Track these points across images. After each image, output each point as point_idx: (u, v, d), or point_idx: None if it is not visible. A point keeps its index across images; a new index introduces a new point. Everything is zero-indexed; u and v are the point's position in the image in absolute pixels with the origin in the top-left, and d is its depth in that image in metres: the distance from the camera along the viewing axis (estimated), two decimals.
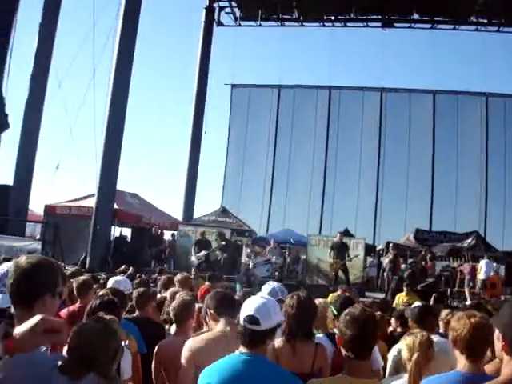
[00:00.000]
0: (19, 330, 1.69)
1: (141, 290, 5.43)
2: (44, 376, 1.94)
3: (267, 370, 2.74)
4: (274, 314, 2.75)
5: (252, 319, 2.69)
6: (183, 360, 3.38)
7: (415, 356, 2.96)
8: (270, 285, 4.54)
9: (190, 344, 3.43)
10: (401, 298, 11.27)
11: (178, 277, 7.33)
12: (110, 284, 5.58)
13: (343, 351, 2.70)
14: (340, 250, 16.38)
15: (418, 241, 21.14)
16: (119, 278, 6.17)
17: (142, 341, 4.36)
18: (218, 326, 3.49)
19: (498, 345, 2.03)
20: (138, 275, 11.01)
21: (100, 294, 4.45)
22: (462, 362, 2.61)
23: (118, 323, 2.43)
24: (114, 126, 18.21)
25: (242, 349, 2.74)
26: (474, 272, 17.39)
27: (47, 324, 1.72)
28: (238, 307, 3.07)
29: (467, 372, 2.55)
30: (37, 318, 1.73)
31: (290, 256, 19.90)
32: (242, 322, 2.75)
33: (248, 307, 2.75)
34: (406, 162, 27.66)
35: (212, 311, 3.60)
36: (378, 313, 5.80)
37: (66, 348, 2.26)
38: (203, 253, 17.23)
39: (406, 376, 3.18)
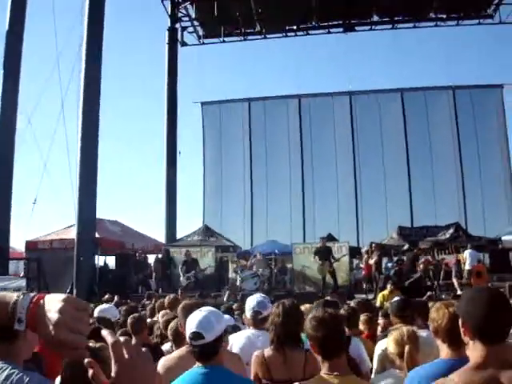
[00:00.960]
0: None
1: (136, 315, 5.46)
2: None
3: (225, 378, 2.86)
4: (216, 323, 2.84)
5: (195, 335, 2.79)
6: (157, 378, 3.42)
7: (407, 348, 3.04)
8: (253, 297, 4.61)
9: (162, 363, 3.49)
10: (384, 296, 11.34)
11: (167, 300, 7.34)
12: (96, 313, 5.58)
13: (317, 355, 2.80)
14: (323, 253, 16.49)
15: (401, 237, 21.34)
16: (105, 306, 6.17)
17: None
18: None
19: (462, 331, 2.11)
20: (124, 301, 10.95)
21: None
22: (444, 351, 2.69)
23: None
24: (88, 154, 18.19)
25: (198, 363, 2.85)
26: (458, 263, 17.61)
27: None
28: None
29: (450, 359, 2.62)
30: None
31: (276, 267, 19.93)
32: (188, 339, 2.85)
33: (190, 324, 2.84)
34: (382, 162, 27.92)
35: (182, 325, 3.56)
36: (366, 314, 5.85)
37: (58, 380, 2.28)
38: (192, 272, 17.19)
39: (396, 372, 3.24)
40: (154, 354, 4.44)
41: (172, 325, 4.36)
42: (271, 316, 3.72)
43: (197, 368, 2.85)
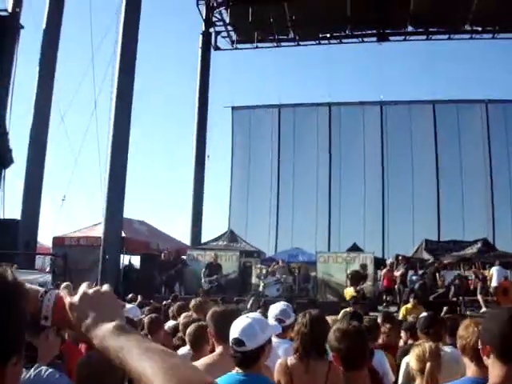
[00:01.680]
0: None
1: (153, 315, 5.49)
2: None
3: None
4: (260, 332, 2.80)
5: (237, 341, 2.77)
6: None
7: (428, 365, 3.00)
8: (277, 305, 4.61)
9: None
10: (406, 309, 11.23)
11: (193, 302, 7.37)
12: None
13: (340, 367, 2.80)
14: (357, 279, 16.50)
15: (427, 252, 21.10)
16: (128, 305, 6.23)
17: None
18: (217, 349, 3.47)
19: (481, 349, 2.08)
20: (147, 302, 11.01)
21: None
22: (471, 369, 2.64)
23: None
24: (118, 154, 18.36)
25: (237, 369, 2.83)
26: (484, 279, 17.34)
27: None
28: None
29: (477, 377, 2.58)
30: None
31: (299, 274, 19.87)
32: (230, 344, 2.83)
33: (234, 329, 2.82)
34: (411, 174, 27.69)
35: (212, 332, 3.53)
36: (388, 325, 5.79)
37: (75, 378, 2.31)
38: (215, 277, 17.25)
39: None
40: None
41: (190, 329, 4.36)
42: (297, 325, 3.71)
43: (235, 374, 2.83)
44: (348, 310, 9.88)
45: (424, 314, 5.50)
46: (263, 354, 2.89)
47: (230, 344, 2.85)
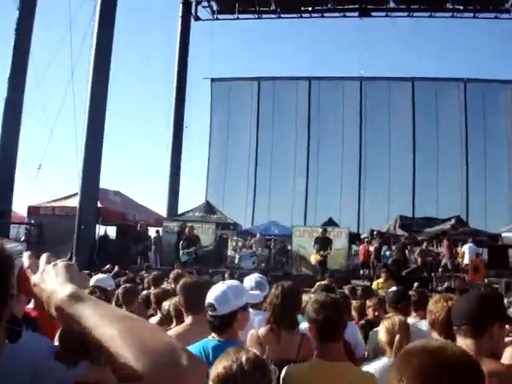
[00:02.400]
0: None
1: (127, 285, 5.52)
2: (41, 362, 1.98)
3: None
4: (232, 298, 2.91)
5: (209, 305, 2.91)
6: None
7: (397, 338, 3.07)
8: (251, 277, 4.64)
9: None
10: (378, 284, 11.40)
11: (171, 275, 7.42)
12: (92, 282, 5.62)
13: (314, 339, 2.86)
14: (323, 243, 16.59)
15: (402, 227, 21.38)
16: (101, 276, 6.27)
17: None
18: (187, 320, 3.54)
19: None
20: (123, 272, 11.00)
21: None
22: None
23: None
24: (95, 124, 18.15)
25: (213, 334, 2.94)
26: (451, 254, 17.70)
27: None
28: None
29: None
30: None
31: (275, 247, 20.01)
32: (206, 308, 2.96)
33: (209, 295, 2.94)
34: (388, 150, 27.87)
35: (181, 302, 3.61)
36: (358, 301, 5.90)
37: (57, 337, 2.34)
38: (193, 248, 17.23)
39: (385, 359, 3.27)
40: None
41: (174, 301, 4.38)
42: (270, 296, 3.75)
43: (211, 339, 2.92)
44: (323, 282, 10.04)
45: (393, 288, 5.59)
46: (236, 320, 2.96)
47: (206, 308, 2.95)
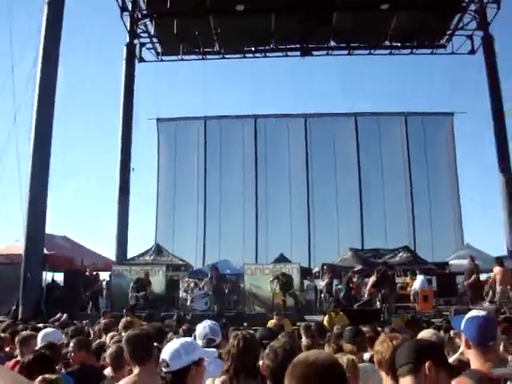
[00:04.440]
0: None
1: (80, 338, 5.43)
2: None
3: None
4: (184, 354, 2.97)
5: (163, 361, 2.97)
6: None
7: None
8: (204, 325, 4.60)
9: None
10: (330, 318, 11.44)
11: (121, 324, 7.29)
12: (39, 338, 5.43)
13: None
14: (286, 284, 16.67)
15: (352, 260, 21.60)
16: (48, 330, 6.03)
17: None
18: (134, 371, 3.55)
19: None
20: (71, 322, 10.72)
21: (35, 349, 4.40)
22: (387, 382, 2.74)
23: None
24: (39, 167, 17.77)
25: None
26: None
27: None
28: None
29: None
30: None
31: (227, 287, 19.87)
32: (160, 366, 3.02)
33: (163, 352, 3.02)
34: (334, 185, 28.35)
35: (127, 354, 3.65)
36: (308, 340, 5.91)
37: None
38: (142, 293, 16.88)
39: None
40: (97, 376, 4.41)
41: (111, 350, 4.33)
42: (228, 346, 3.71)
43: None
44: (273, 320, 10.02)
45: (348, 328, 5.65)
46: (189, 375, 2.97)
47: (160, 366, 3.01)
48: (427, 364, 2.16)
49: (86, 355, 5.29)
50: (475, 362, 2.74)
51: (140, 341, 3.58)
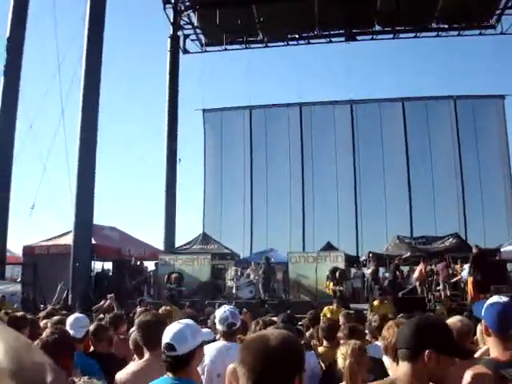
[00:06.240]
0: None
1: (99, 324, 5.54)
2: None
3: None
4: (190, 337, 2.88)
5: (168, 346, 2.84)
6: None
7: (347, 362, 3.04)
8: (225, 310, 4.60)
9: (119, 377, 3.52)
10: (373, 307, 11.29)
11: (161, 310, 7.38)
12: (68, 321, 5.50)
13: None
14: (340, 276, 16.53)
15: (399, 248, 21.26)
16: (78, 315, 6.10)
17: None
18: (145, 355, 3.57)
19: None
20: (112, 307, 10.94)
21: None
22: (392, 369, 2.68)
23: None
24: (86, 161, 18.28)
25: (169, 373, 2.87)
26: (447, 273, 17.53)
27: None
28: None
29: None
30: None
31: (274, 277, 19.86)
32: (162, 349, 2.89)
33: (166, 335, 2.89)
34: (382, 171, 27.85)
35: (139, 340, 3.68)
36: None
37: None
38: (174, 285, 16.93)
39: None
40: (119, 364, 4.44)
41: (133, 337, 4.38)
42: (249, 332, 3.73)
43: (167, 378, 2.86)
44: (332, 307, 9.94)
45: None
46: (193, 359, 2.93)
47: (162, 349, 2.89)
48: (426, 353, 2.07)
49: (106, 344, 5.32)
50: (494, 350, 2.66)
51: (150, 327, 3.57)
